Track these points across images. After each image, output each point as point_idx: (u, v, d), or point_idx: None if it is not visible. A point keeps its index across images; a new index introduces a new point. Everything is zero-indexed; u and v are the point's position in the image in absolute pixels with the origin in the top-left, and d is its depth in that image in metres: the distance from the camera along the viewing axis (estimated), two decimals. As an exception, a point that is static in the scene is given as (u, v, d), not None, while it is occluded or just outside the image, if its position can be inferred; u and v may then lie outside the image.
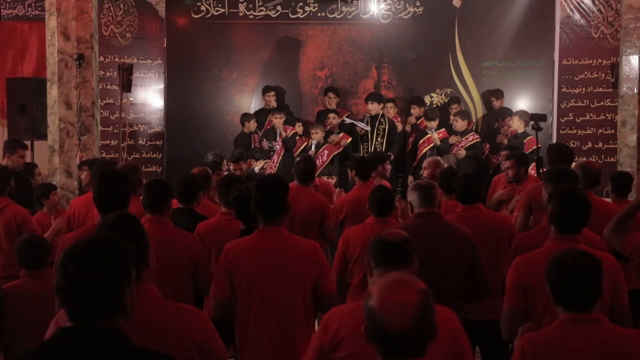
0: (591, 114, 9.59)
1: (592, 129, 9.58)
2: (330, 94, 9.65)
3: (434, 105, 9.88)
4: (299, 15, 9.97)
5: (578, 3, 9.56)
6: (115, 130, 9.12)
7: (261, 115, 9.61)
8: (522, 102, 9.72)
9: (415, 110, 9.60)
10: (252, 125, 9.30)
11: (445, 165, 6.27)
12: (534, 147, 7.20)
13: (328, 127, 9.24)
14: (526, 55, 9.81)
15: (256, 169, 8.88)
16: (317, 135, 8.95)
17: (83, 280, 1.84)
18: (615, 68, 8.97)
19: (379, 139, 9.19)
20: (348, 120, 9.43)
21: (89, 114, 8.78)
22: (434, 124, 9.04)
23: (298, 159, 6.25)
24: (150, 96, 9.78)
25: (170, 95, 9.86)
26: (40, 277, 4.25)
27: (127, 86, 8.69)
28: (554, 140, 9.29)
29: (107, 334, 1.85)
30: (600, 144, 9.56)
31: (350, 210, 5.56)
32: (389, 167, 6.78)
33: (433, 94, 10.02)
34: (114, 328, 1.87)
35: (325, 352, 2.64)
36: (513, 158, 6.08)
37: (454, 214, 4.47)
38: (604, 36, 9.52)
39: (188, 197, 4.83)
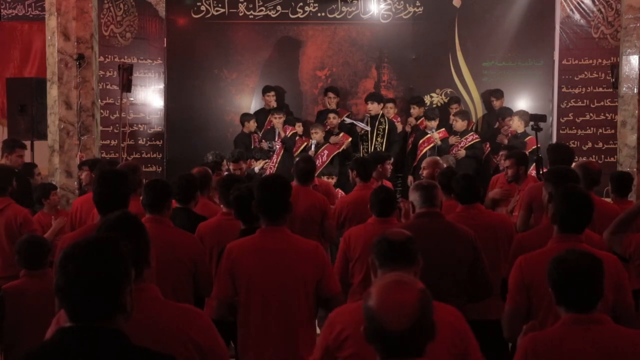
0: (591, 114, 9.59)
1: (592, 129, 9.58)
2: (330, 94, 9.64)
3: (434, 105, 9.87)
4: (299, 15, 9.97)
5: (578, 3, 9.55)
6: (115, 130, 9.11)
7: (261, 115, 9.61)
8: (522, 102, 9.71)
9: (415, 110, 9.59)
10: (252, 125, 9.30)
11: (445, 165, 6.26)
12: (534, 147, 7.20)
13: (328, 127, 9.24)
14: (526, 55, 9.80)
15: (256, 169, 8.87)
16: (317, 135, 8.95)
17: (83, 280, 1.84)
18: (615, 68, 8.97)
19: (379, 139, 9.18)
20: (348, 120, 9.42)
21: (89, 114, 8.77)
22: (434, 124, 9.03)
23: (297, 159, 6.25)
24: (150, 96, 9.78)
25: (170, 95, 9.86)
26: (40, 277, 4.26)
27: (127, 86, 8.68)
28: (554, 140, 9.29)
29: (107, 334, 1.85)
30: (600, 144, 9.56)
31: (351, 212, 5.55)
32: (389, 167, 6.76)
33: (433, 94, 10.01)
34: (114, 328, 1.87)
35: (330, 351, 2.65)
36: (512, 157, 6.08)
37: (454, 214, 4.47)
38: (604, 36, 9.52)
39: (186, 197, 4.82)
